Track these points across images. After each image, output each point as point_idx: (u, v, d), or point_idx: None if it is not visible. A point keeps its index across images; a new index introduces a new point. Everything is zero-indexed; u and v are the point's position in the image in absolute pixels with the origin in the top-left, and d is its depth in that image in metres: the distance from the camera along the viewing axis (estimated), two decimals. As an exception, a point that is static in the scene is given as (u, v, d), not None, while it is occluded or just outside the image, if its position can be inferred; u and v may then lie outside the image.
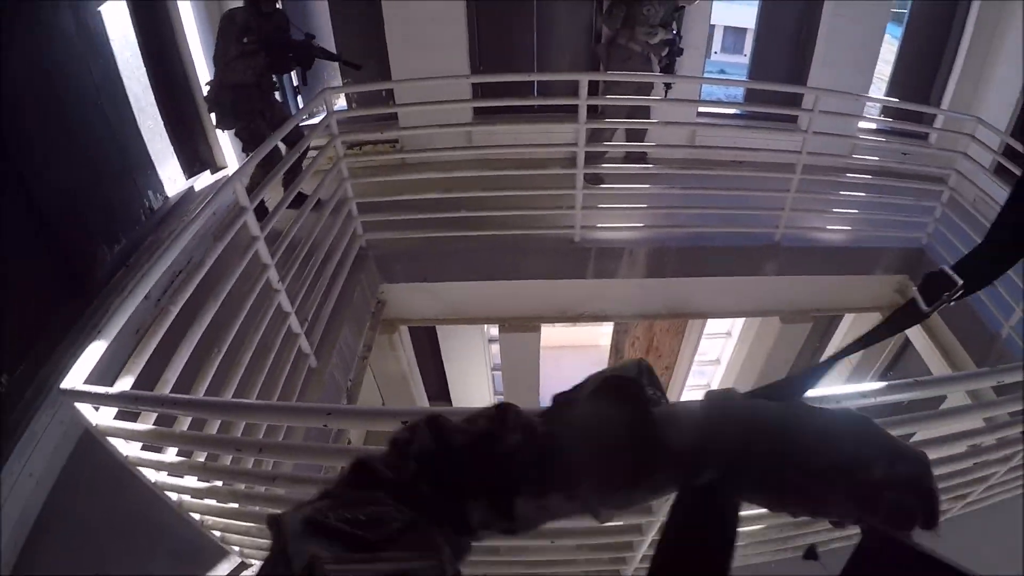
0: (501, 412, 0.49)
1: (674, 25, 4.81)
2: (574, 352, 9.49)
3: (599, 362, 8.99)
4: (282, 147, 3.88)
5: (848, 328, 6.65)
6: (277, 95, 4.36)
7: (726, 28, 18.57)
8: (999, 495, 2.74)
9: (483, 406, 0.50)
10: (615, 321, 5.53)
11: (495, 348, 6.59)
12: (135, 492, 2.03)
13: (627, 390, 0.49)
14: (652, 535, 1.98)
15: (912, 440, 2.09)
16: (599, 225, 4.56)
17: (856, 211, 4.86)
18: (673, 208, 4.51)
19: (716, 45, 18.23)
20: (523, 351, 5.49)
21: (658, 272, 4.78)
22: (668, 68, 4.89)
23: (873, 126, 6.11)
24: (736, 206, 4.43)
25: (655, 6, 4.58)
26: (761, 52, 5.77)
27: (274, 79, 4.23)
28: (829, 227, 4.86)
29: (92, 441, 1.74)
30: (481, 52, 5.20)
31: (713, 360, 8.56)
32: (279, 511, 0.31)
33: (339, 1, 5.02)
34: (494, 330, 6.56)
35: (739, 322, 6.71)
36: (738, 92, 6.63)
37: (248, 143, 4.20)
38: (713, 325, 7.45)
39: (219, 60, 3.99)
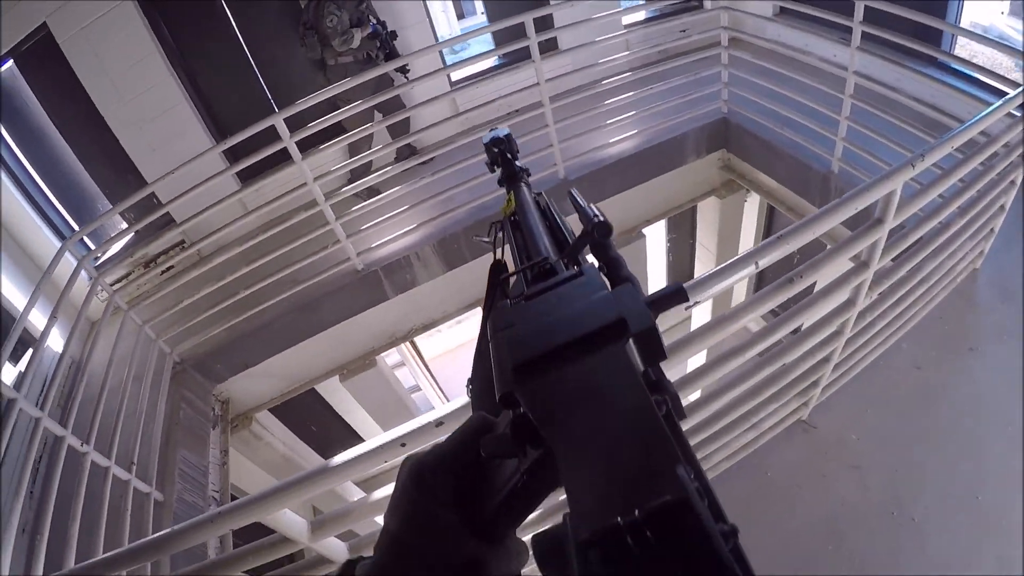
0: None
1: (369, 16, 4.90)
2: (467, 348, 9.73)
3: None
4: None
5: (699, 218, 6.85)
6: None
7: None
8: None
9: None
10: (445, 323, 5.67)
11: (397, 373, 6.81)
12: None
13: None
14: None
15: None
16: (374, 244, 4.63)
17: (634, 112, 4.94)
18: (450, 190, 4.55)
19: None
20: (375, 387, 5.61)
21: (458, 260, 4.86)
22: (392, 55, 4.98)
23: (641, 16, 6.25)
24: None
25: (336, 16, 4.68)
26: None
27: None
28: (614, 139, 4.95)
29: None
30: (216, 120, 5.31)
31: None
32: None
33: (72, 133, 5.09)
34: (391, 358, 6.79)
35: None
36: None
37: None
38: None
39: None
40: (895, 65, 3.88)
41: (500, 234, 0.81)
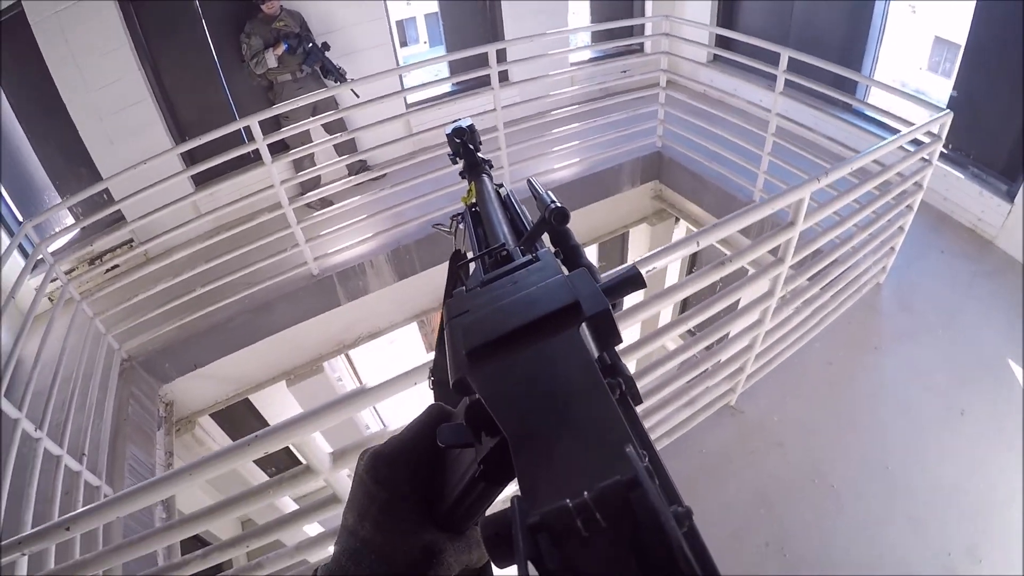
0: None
1: (284, 36, 5.06)
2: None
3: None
4: None
5: (630, 244, 7.40)
6: None
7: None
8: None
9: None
10: (391, 332, 5.90)
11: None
12: None
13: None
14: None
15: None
16: (331, 251, 4.84)
17: (577, 142, 5.44)
18: (402, 204, 4.82)
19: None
20: (321, 394, 5.54)
21: (409, 271, 5.14)
22: (326, 68, 5.22)
23: (587, 56, 6.87)
24: (455, 182, 4.65)
25: (245, 43, 5.01)
26: (449, 33, 6.37)
27: None
28: (558, 165, 5.44)
29: None
30: (178, 121, 5.39)
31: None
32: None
33: (29, 117, 5.02)
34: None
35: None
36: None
37: None
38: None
39: None
40: (814, 109, 4.54)
41: (460, 225, 0.82)
